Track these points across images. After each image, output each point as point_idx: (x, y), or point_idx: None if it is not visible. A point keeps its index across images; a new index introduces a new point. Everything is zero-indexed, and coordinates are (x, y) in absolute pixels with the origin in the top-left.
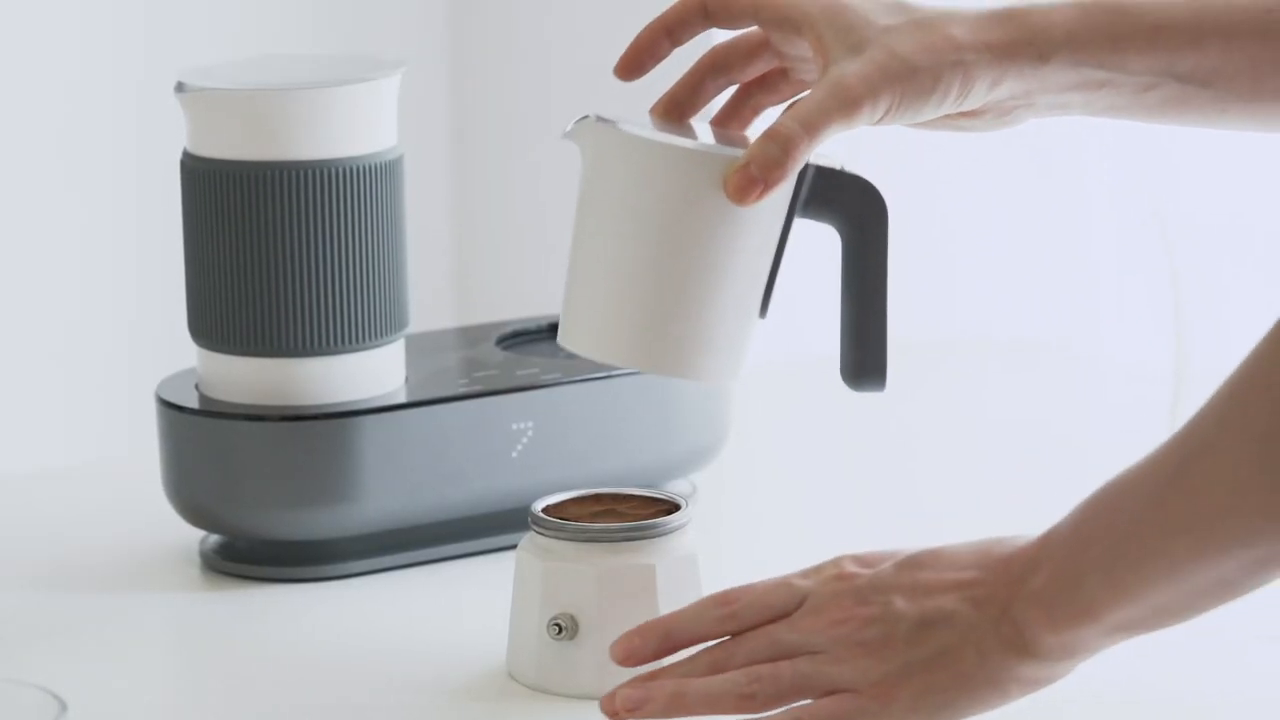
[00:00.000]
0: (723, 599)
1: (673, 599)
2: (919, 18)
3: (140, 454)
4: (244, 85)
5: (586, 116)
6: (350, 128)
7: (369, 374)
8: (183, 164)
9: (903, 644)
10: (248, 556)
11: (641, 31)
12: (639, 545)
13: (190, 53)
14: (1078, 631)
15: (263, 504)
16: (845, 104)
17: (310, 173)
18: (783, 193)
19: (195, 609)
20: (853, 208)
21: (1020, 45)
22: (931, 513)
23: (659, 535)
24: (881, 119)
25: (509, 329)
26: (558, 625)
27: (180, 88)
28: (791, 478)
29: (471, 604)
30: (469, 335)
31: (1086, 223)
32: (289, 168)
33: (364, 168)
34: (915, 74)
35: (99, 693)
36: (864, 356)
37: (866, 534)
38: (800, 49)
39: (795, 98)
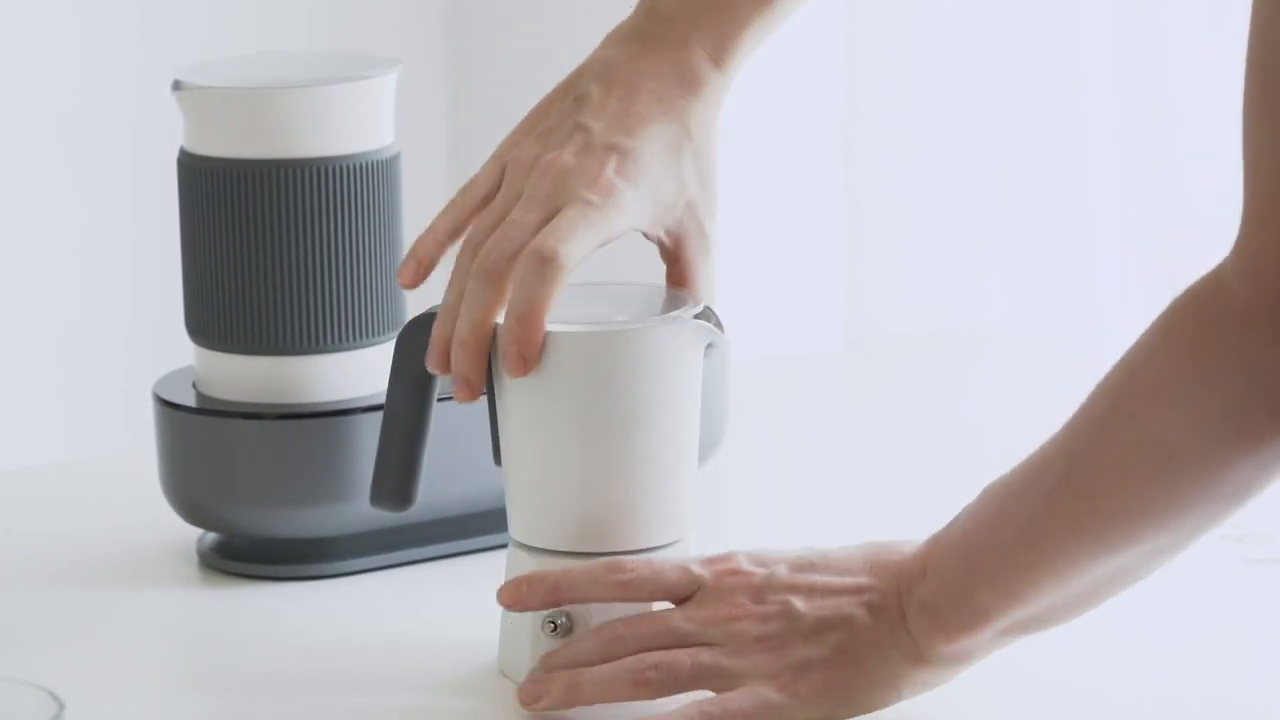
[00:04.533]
0: (617, 566)
1: None
2: (694, 138)
3: (137, 452)
4: (241, 83)
5: None
6: (347, 126)
7: (366, 372)
8: (179, 162)
9: (801, 641)
10: (245, 554)
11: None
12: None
13: (187, 50)
14: (971, 638)
15: (260, 502)
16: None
17: (307, 170)
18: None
19: (192, 607)
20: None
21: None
22: (929, 507)
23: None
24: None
25: None
26: (553, 623)
27: (177, 85)
28: (789, 473)
29: (468, 602)
30: None
31: (1087, 217)
32: (286, 165)
33: (361, 166)
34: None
35: (96, 691)
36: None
37: (864, 528)
38: None
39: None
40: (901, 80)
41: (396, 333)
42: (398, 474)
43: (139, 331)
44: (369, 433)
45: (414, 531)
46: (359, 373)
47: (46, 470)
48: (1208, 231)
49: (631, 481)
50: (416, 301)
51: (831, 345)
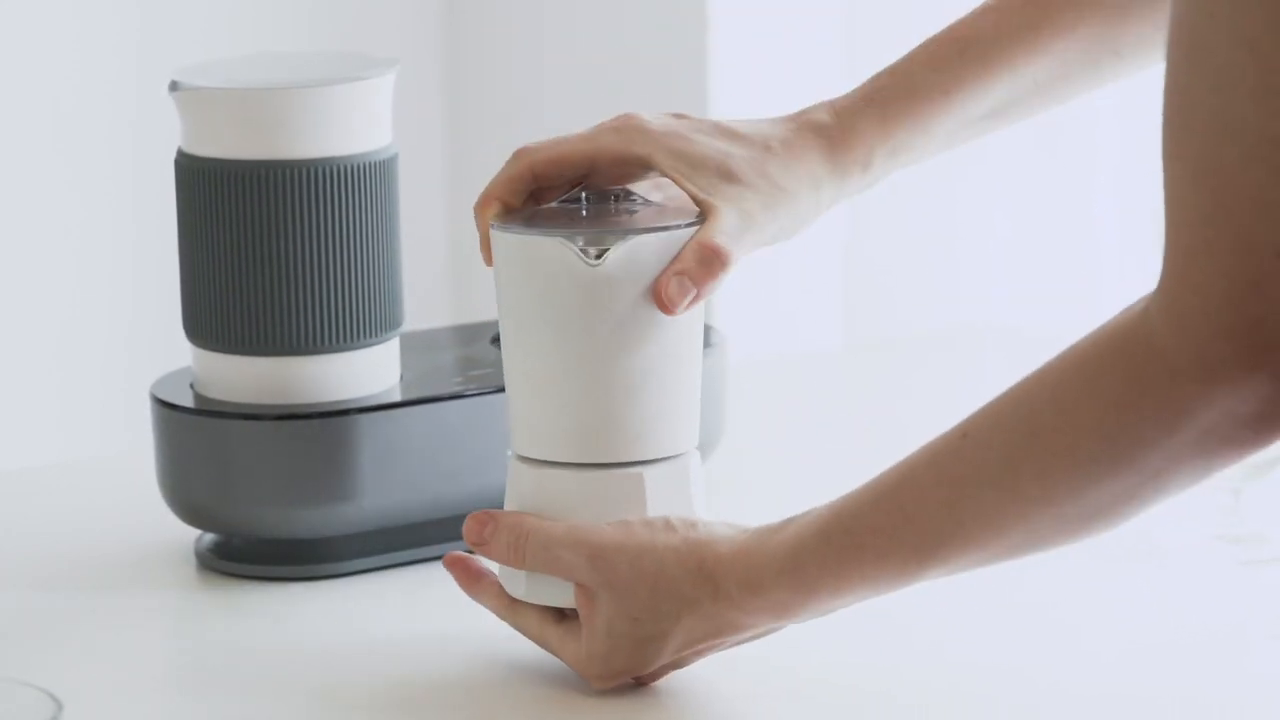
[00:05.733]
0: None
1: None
2: (774, 151)
3: (136, 453)
4: (238, 84)
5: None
6: (345, 126)
7: (364, 372)
8: (177, 163)
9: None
10: (243, 555)
11: (480, 223)
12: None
13: (184, 51)
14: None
15: (258, 502)
16: (753, 233)
17: (305, 171)
18: None
19: (191, 608)
20: None
21: (848, 167)
22: None
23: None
24: (776, 236)
25: None
26: None
27: (174, 86)
28: (788, 473)
29: (467, 601)
30: (464, 333)
31: (1087, 218)
32: (284, 166)
33: (359, 166)
34: (794, 199)
35: (95, 692)
36: None
37: None
38: (638, 183)
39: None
40: None
41: (394, 333)
42: None
43: (138, 332)
44: (367, 433)
45: (413, 531)
46: (356, 373)
47: (46, 470)
48: None
49: (558, 390)
50: (413, 302)
51: (831, 345)
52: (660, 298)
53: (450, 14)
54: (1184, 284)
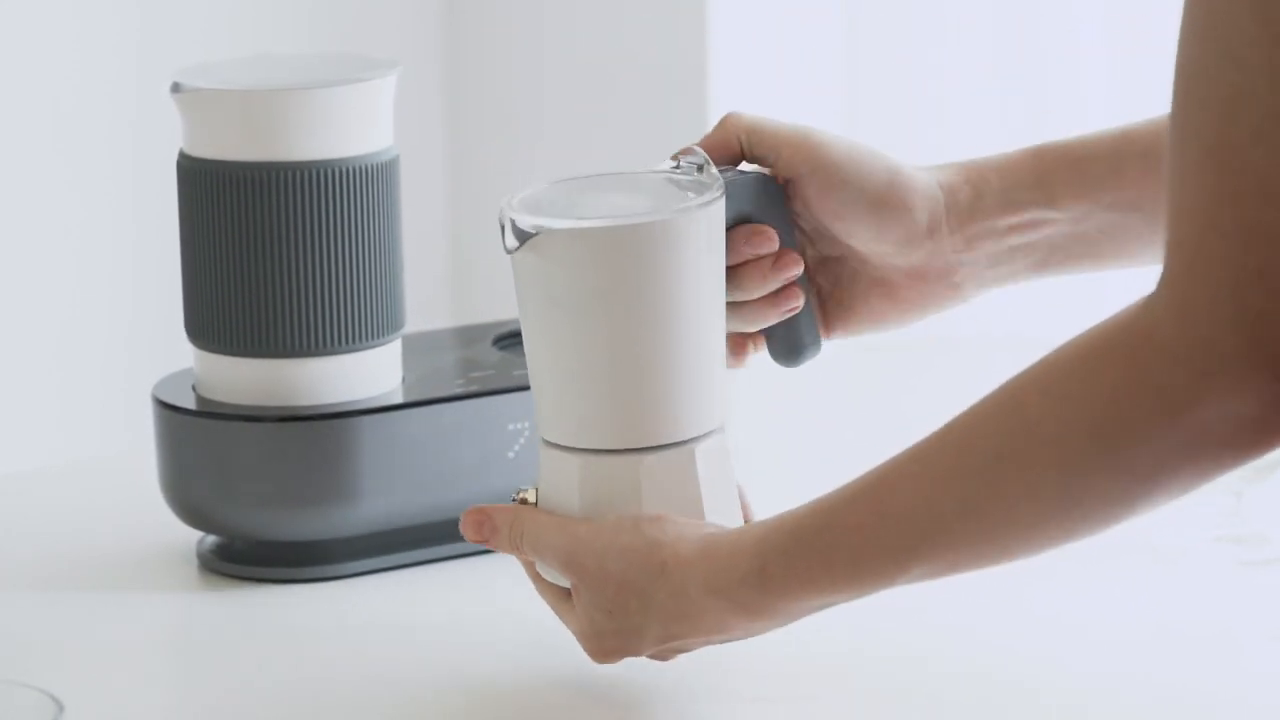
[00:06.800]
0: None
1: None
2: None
3: (137, 454)
4: (239, 85)
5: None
6: (346, 128)
7: (365, 374)
8: (179, 164)
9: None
10: (245, 557)
11: None
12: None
13: (186, 53)
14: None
15: (259, 504)
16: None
17: (306, 173)
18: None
19: (192, 610)
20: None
21: (959, 185)
22: None
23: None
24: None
25: (506, 329)
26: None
27: (176, 88)
28: (788, 475)
29: (469, 604)
30: (465, 335)
31: None
32: (285, 168)
33: (360, 168)
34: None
35: (96, 694)
36: (802, 333)
37: None
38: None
39: None
40: (902, 82)
41: (396, 335)
42: (781, 333)
43: (139, 333)
44: (368, 435)
45: (413, 533)
46: (358, 375)
47: (47, 472)
48: None
49: (558, 373)
50: (414, 304)
51: (830, 348)
52: None
53: (450, 14)
54: (1188, 272)
